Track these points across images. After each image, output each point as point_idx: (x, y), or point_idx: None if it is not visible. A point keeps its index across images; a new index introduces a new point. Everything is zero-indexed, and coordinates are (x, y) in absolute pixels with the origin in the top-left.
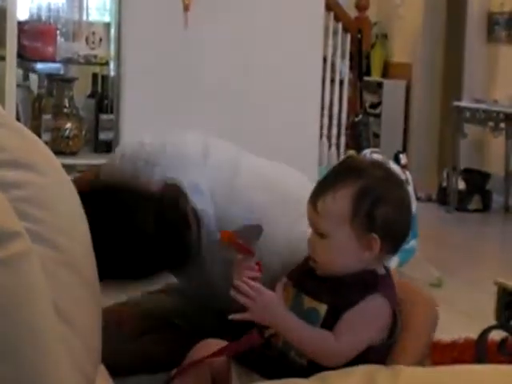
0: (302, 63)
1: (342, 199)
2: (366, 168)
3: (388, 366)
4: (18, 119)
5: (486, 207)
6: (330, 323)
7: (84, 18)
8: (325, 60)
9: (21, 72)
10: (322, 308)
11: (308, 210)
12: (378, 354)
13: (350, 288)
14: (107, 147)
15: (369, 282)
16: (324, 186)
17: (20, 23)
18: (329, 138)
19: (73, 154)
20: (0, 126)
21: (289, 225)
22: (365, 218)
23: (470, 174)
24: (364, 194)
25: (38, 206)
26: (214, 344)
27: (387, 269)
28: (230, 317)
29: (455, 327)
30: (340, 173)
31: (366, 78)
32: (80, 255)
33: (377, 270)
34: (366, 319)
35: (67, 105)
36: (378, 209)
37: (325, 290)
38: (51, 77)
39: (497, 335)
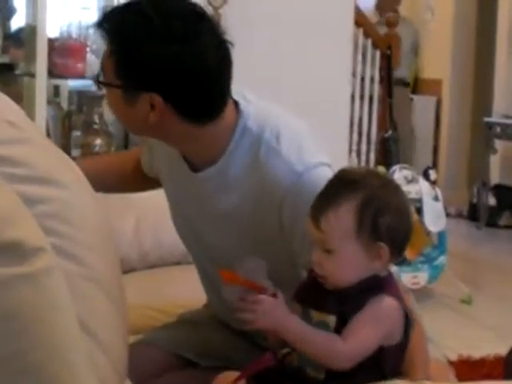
0: (332, 79)
1: (344, 214)
2: (363, 179)
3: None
4: (48, 135)
5: None
6: (340, 333)
7: None
8: (354, 76)
9: (51, 89)
10: (331, 319)
11: (310, 227)
12: (392, 355)
13: (356, 294)
14: None
15: (373, 285)
16: (324, 202)
17: (50, 40)
18: (358, 154)
19: None
20: (25, 141)
21: None
22: (370, 228)
23: (500, 190)
24: (366, 205)
25: (63, 221)
26: (233, 376)
27: (389, 271)
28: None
29: (485, 344)
30: (338, 187)
31: None
32: (105, 270)
33: (378, 273)
34: (374, 320)
35: (97, 121)
36: (382, 217)
37: (331, 301)
38: (81, 93)
39: None
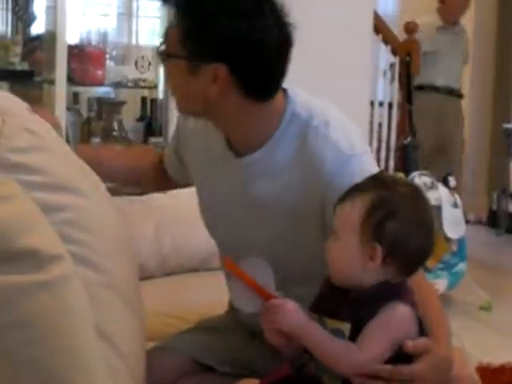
0: (350, 85)
1: (358, 204)
2: (393, 182)
3: None
4: (67, 142)
5: None
6: (355, 341)
7: (133, 41)
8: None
9: (70, 95)
10: (346, 327)
11: (333, 214)
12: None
13: (369, 301)
14: None
15: (386, 292)
16: (349, 192)
17: (70, 47)
18: (378, 160)
19: None
20: (44, 149)
21: None
22: (374, 226)
23: None
24: (380, 203)
25: (81, 228)
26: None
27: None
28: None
29: (504, 351)
30: (368, 182)
31: None
32: (123, 277)
33: (390, 280)
34: (388, 327)
35: (116, 128)
36: (389, 222)
37: (345, 308)
38: (100, 100)
39: None
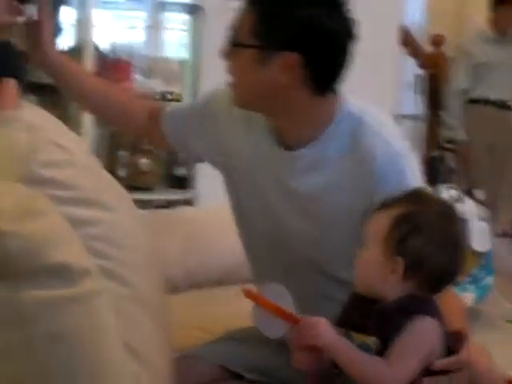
0: (376, 98)
1: (387, 217)
2: (427, 199)
3: None
4: (94, 155)
5: None
6: (381, 354)
7: (160, 54)
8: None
9: None
10: (372, 341)
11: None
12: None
13: (394, 314)
14: (183, 183)
15: (411, 305)
16: (383, 203)
17: (97, 60)
18: None
19: (149, 189)
20: (73, 164)
21: None
22: (398, 241)
23: None
24: (407, 218)
25: (108, 243)
26: None
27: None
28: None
29: None
30: (401, 196)
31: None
32: (149, 290)
33: (415, 293)
34: (417, 341)
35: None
36: (414, 237)
37: (371, 322)
38: None
39: None
